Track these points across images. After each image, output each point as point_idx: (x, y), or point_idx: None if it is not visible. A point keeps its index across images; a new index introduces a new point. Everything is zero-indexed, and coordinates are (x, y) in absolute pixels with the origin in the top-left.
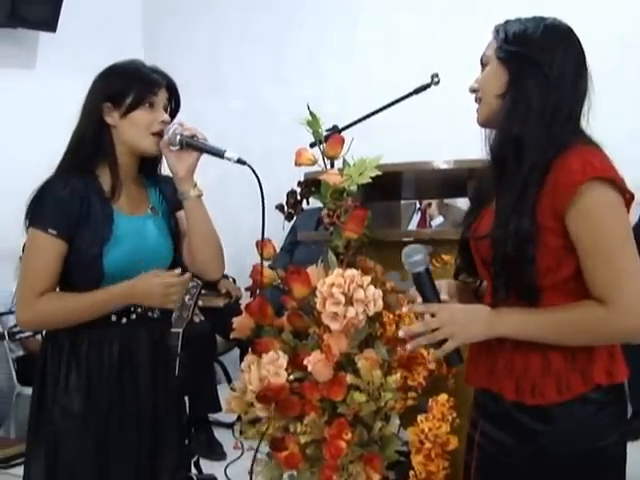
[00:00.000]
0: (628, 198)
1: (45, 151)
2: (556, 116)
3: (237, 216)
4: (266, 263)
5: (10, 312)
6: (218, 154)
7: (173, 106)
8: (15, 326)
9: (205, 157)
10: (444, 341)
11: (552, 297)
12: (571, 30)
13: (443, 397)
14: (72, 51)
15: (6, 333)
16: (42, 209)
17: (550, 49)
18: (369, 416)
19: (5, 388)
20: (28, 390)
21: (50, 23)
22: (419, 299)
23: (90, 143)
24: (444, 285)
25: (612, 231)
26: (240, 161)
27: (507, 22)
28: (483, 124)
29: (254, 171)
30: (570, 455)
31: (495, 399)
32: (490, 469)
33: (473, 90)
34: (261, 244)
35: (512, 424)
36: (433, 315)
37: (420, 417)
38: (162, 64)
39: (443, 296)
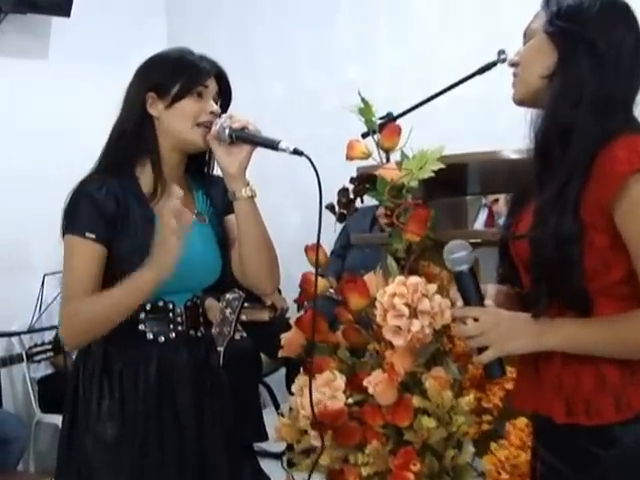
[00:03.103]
0: None
1: (61, 145)
2: (609, 103)
3: (278, 216)
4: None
5: (30, 331)
6: (272, 145)
7: (224, 98)
8: (35, 346)
9: None
10: (484, 349)
11: (602, 304)
12: (630, 8)
13: (522, 421)
14: (88, 38)
15: (24, 355)
16: (77, 213)
17: (607, 28)
18: (439, 443)
19: (23, 416)
20: (50, 418)
21: (63, 7)
22: (459, 302)
23: (131, 136)
24: (490, 290)
25: None
26: (296, 152)
27: None
28: (520, 102)
29: (312, 163)
30: None
31: (546, 422)
32: None
33: (513, 64)
34: (316, 249)
35: (568, 450)
36: (476, 320)
37: (496, 444)
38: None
39: (487, 301)
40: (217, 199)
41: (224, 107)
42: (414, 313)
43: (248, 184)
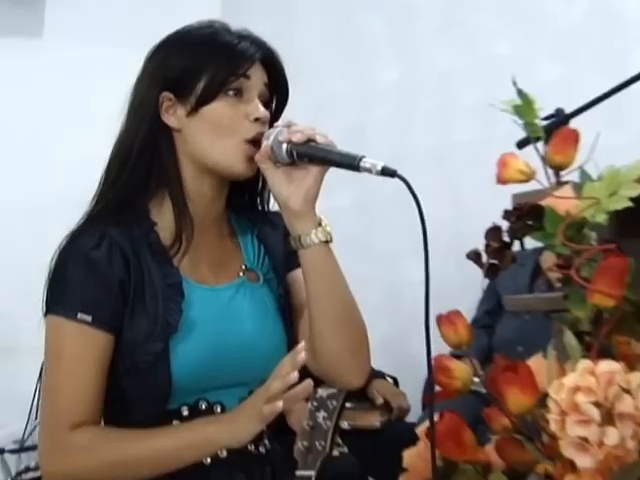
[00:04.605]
0: None
1: (55, 136)
2: None
3: (388, 264)
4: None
5: (20, 450)
6: (351, 164)
7: (277, 96)
8: (26, 470)
9: None
10: None
11: None
12: None
13: None
14: (88, 15)
15: None
16: (65, 283)
17: None
18: None
19: None
20: None
21: None
22: None
23: (140, 160)
24: None
25: None
26: (387, 172)
27: None
28: None
29: (410, 187)
30: None
31: None
32: None
33: None
34: (441, 319)
35: None
36: None
37: None
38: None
39: None
40: (276, 247)
41: (278, 110)
42: (609, 417)
43: (320, 223)
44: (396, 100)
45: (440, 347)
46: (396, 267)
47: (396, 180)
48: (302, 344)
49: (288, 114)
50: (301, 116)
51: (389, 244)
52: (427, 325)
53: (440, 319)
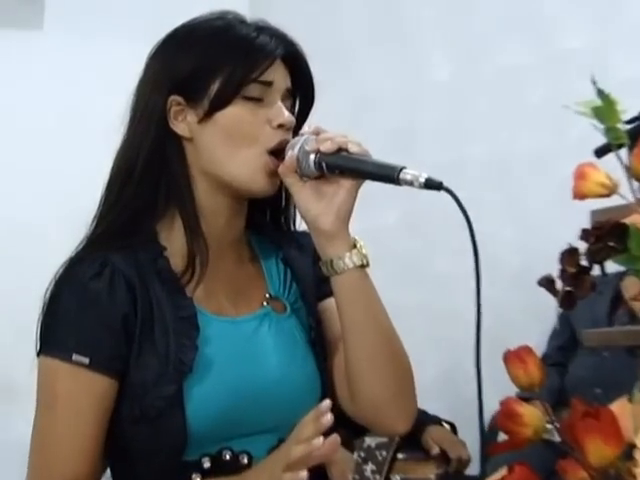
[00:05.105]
0: None
1: (56, 130)
2: None
3: (440, 291)
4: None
5: None
6: (389, 177)
7: (302, 98)
8: None
9: None
10: None
11: None
12: None
13: None
14: (90, 5)
15: None
16: (60, 319)
17: None
18: None
19: None
20: None
21: None
22: None
23: (146, 175)
24: None
25: None
26: (431, 184)
27: None
28: None
29: (459, 202)
30: None
31: None
32: None
33: None
34: (509, 357)
35: None
36: None
37: None
38: None
39: None
40: (304, 272)
41: (302, 114)
42: None
43: (355, 245)
44: (448, 102)
45: (504, 386)
46: (450, 294)
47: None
48: (327, 402)
49: (321, 118)
50: (337, 120)
51: (442, 267)
52: (478, 364)
53: (508, 356)
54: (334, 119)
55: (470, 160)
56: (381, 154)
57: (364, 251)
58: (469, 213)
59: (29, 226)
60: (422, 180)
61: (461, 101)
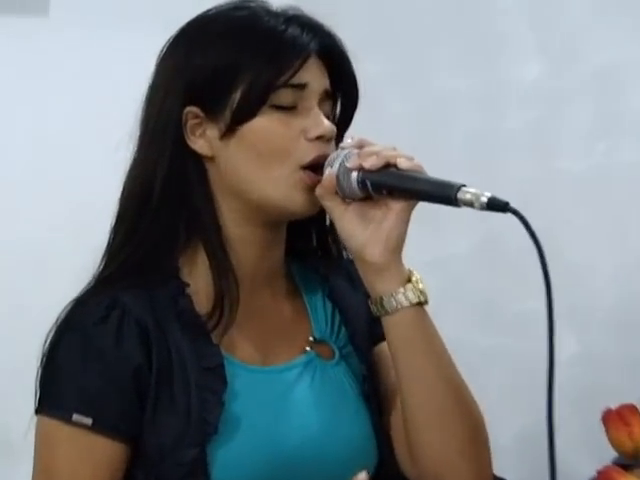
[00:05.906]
0: None
1: (61, 119)
2: None
3: (520, 334)
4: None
5: None
6: (446, 197)
7: (343, 105)
8: None
9: None
10: None
11: None
12: None
13: None
14: None
15: None
16: (58, 372)
17: None
18: None
19: None
20: None
21: None
22: None
23: (163, 201)
24: None
25: None
26: (494, 205)
27: None
28: None
29: (528, 225)
30: None
31: None
32: None
33: None
34: (609, 417)
35: None
36: None
37: None
38: None
39: None
40: (356, 310)
41: (343, 121)
42: None
43: (410, 279)
44: (536, 106)
45: (602, 452)
46: (532, 337)
47: (536, 219)
48: (363, 475)
49: (383, 126)
50: (400, 128)
51: (524, 305)
52: (550, 423)
53: (608, 416)
54: (396, 127)
55: (561, 175)
56: (454, 168)
57: (421, 286)
58: (559, 238)
59: (29, 252)
60: (484, 200)
61: (551, 105)
